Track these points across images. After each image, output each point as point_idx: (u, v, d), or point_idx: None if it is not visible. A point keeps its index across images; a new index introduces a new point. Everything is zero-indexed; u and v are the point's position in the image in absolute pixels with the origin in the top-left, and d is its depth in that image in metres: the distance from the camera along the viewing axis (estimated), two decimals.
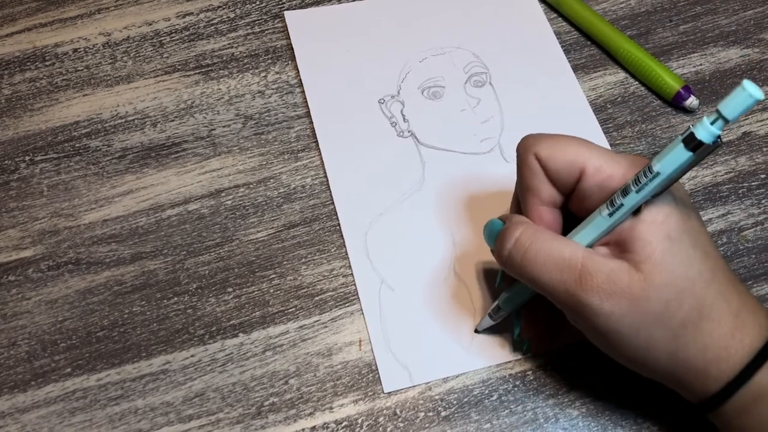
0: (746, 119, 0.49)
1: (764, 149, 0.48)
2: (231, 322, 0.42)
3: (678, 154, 0.30)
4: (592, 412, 0.40)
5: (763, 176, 0.47)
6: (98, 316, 0.42)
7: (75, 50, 0.51)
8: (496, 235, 0.37)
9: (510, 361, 0.41)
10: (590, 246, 0.34)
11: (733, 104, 0.28)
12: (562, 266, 0.33)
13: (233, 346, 0.41)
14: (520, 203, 0.38)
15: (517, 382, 0.41)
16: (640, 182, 0.31)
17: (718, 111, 0.29)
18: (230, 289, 0.43)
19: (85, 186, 0.46)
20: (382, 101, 0.49)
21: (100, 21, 0.52)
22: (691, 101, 0.49)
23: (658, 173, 0.31)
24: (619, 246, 0.33)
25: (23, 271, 0.43)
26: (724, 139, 0.49)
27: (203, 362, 0.41)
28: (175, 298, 0.42)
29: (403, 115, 0.49)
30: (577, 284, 0.33)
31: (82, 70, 0.50)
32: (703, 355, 0.33)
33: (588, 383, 0.41)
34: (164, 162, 0.47)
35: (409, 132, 0.48)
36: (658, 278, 0.32)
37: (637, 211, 0.32)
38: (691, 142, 0.30)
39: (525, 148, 0.36)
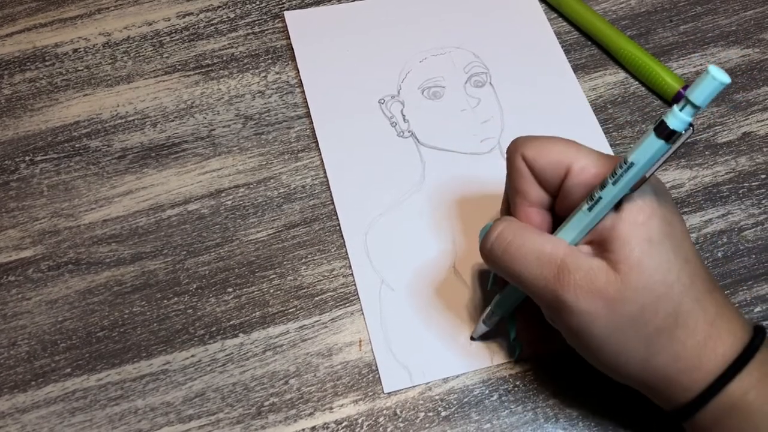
0: (746, 119, 0.49)
1: (764, 149, 0.48)
2: (231, 323, 0.42)
3: (651, 144, 0.30)
4: (592, 413, 0.40)
5: (763, 176, 0.47)
6: (98, 316, 0.42)
7: (75, 50, 0.51)
8: (482, 232, 0.37)
9: (510, 361, 0.41)
10: (574, 244, 0.34)
11: (700, 90, 0.28)
12: (542, 261, 0.33)
13: (233, 347, 0.41)
14: (510, 205, 0.38)
15: (518, 382, 0.41)
16: (616, 174, 0.31)
17: (686, 98, 0.29)
18: (230, 290, 0.43)
19: (85, 186, 0.46)
20: (382, 101, 0.49)
21: (100, 21, 0.52)
22: None
23: (632, 164, 0.31)
24: (600, 245, 0.33)
25: (23, 272, 0.43)
26: (725, 140, 0.49)
27: (203, 362, 0.41)
28: (176, 299, 0.42)
29: (403, 115, 0.49)
30: (555, 280, 0.33)
31: (82, 70, 0.50)
32: (675, 363, 0.33)
33: (588, 383, 0.41)
34: (164, 162, 0.47)
35: (409, 132, 0.48)
36: (635, 281, 0.32)
37: (618, 207, 0.32)
38: (663, 130, 0.29)
39: (513, 150, 0.36)
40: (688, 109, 0.29)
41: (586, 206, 0.33)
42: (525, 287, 0.35)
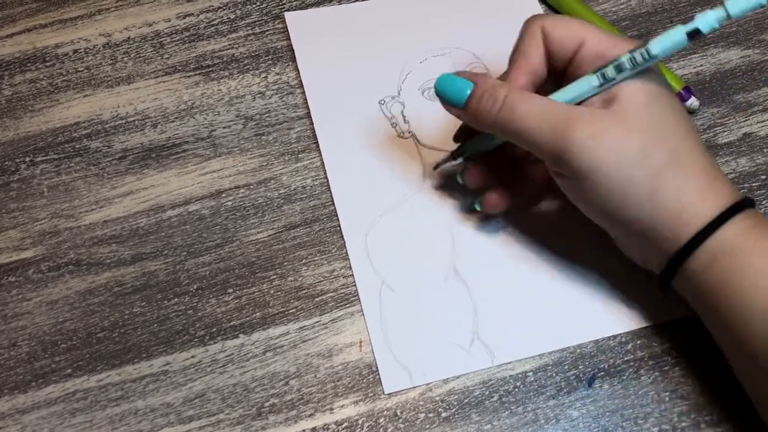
0: (746, 120, 0.49)
1: (765, 150, 0.48)
2: (231, 323, 0.42)
3: (677, 41, 0.34)
4: (592, 414, 0.40)
5: (763, 177, 0.47)
6: (99, 317, 0.42)
7: (75, 51, 0.51)
8: (461, 92, 0.39)
9: (510, 362, 0.41)
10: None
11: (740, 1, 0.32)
12: (552, 114, 0.36)
13: (234, 347, 0.41)
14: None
15: (518, 383, 0.41)
16: (637, 62, 0.35)
17: (724, 7, 0.32)
18: (231, 290, 0.43)
19: (86, 187, 0.46)
20: (383, 102, 0.49)
21: (101, 22, 0.52)
22: (692, 102, 0.49)
23: (655, 56, 0.34)
24: (604, 102, 0.37)
25: (24, 272, 0.43)
26: (726, 140, 0.49)
27: (204, 363, 0.41)
28: (176, 299, 0.42)
29: (404, 116, 0.49)
30: (565, 126, 0.36)
31: (82, 71, 0.50)
32: (678, 200, 0.36)
33: (588, 384, 0.41)
34: (165, 163, 0.47)
35: (409, 133, 0.48)
36: (637, 124, 0.36)
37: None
38: (695, 34, 0.33)
39: (532, 20, 0.40)
40: (723, 17, 0.32)
41: (596, 82, 0.36)
42: (533, 141, 0.37)
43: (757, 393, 0.36)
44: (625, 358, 0.41)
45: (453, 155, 0.43)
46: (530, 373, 0.41)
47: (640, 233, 0.37)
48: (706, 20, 0.32)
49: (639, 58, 0.34)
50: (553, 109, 0.36)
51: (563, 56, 0.39)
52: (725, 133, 0.49)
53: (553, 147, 0.36)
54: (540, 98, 0.37)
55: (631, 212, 0.37)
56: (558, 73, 0.40)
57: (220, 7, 0.53)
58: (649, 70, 0.37)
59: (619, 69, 0.35)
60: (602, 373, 0.41)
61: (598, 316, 0.42)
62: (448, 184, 0.46)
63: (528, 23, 0.40)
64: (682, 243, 0.36)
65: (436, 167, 0.45)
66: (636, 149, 0.35)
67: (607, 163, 0.36)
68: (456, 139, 0.44)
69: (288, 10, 0.53)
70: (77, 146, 0.47)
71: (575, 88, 0.37)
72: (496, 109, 0.37)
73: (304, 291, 0.43)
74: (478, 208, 0.43)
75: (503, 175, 0.41)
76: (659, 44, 0.34)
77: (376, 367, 0.41)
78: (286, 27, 0.52)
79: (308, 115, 0.49)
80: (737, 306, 0.35)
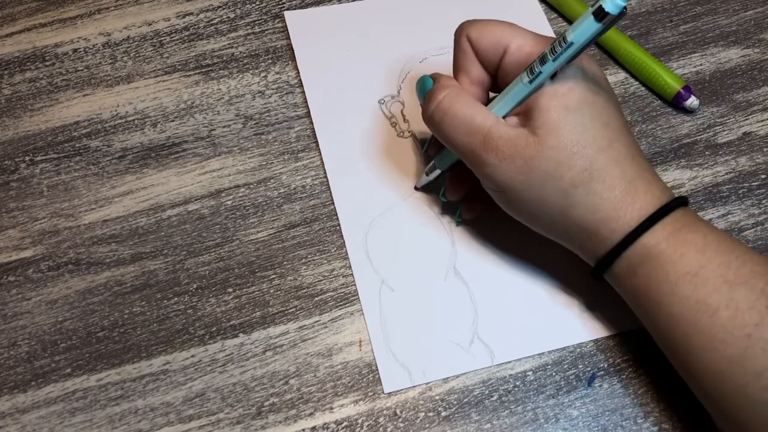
0: (746, 119, 0.49)
1: (764, 149, 0.48)
2: (231, 323, 0.42)
3: (589, 26, 0.34)
4: (592, 413, 0.40)
5: (763, 176, 0.47)
6: (98, 316, 0.42)
7: (75, 50, 0.51)
8: (423, 89, 0.40)
9: (510, 362, 0.41)
10: (505, 115, 0.38)
11: None
12: (472, 130, 0.37)
13: (233, 347, 0.41)
14: None
15: (518, 383, 0.41)
16: (556, 51, 0.35)
17: None
18: (230, 290, 0.43)
19: (85, 186, 0.46)
20: (383, 101, 0.49)
21: (100, 21, 0.52)
22: (692, 101, 0.49)
23: (571, 43, 0.34)
24: (525, 115, 0.37)
25: (23, 272, 0.43)
26: (725, 140, 0.49)
27: (203, 362, 0.41)
28: (176, 299, 0.42)
29: (404, 116, 0.49)
30: (481, 146, 0.37)
31: (82, 70, 0.50)
32: (592, 215, 0.36)
33: (588, 384, 0.41)
34: (164, 162, 0.47)
35: (409, 132, 0.48)
36: (550, 141, 0.36)
37: (552, 77, 0.36)
38: (600, 14, 0.33)
39: (459, 32, 0.40)
40: None
41: (527, 79, 0.36)
42: (456, 151, 0.39)
43: (694, 390, 0.37)
44: (625, 357, 0.41)
45: (426, 172, 0.44)
46: (530, 373, 0.41)
47: (564, 241, 0.39)
48: (612, 2, 0.32)
49: (558, 48, 0.35)
50: (473, 124, 0.37)
51: (492, 65, 0.39)
52: (725, 133, 0.49)
53: (471, 162, 0.38)
54: (470, 106, 0.38)
55: (547, 226, 0.39)
56: (494, 75, 0.40)
57: (219, 7, 0.53)
58: (582, 69, 0.37)
59: (543, 61, 0.35)
60: (602, 373, 0.41)
61: (597, 316, 0.42)
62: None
63: (456, 38, 0.40)
64: (600, 255, 0.37)
65: (416, 188, 0.46)
66: (545, 171, 0.36)
67: (517, 183, 0.37)
68: (426, 152, 0.46)
69: (287, 10, 0.53)
70: (77, 145, 0.47)
71: (509, 94, 0.37)
72: (431, 108, 0.39)
73: (304, 290, 0.43)
74: (458, 220, 0.45)
75: (473, 183, 0.41)
76: (573, 30, 0.34)
77: (376, 367, 0.41)
78: (286, 26, 0.52)
79: (308, 115, 0.49)
80: (658, 312, 0.36)
